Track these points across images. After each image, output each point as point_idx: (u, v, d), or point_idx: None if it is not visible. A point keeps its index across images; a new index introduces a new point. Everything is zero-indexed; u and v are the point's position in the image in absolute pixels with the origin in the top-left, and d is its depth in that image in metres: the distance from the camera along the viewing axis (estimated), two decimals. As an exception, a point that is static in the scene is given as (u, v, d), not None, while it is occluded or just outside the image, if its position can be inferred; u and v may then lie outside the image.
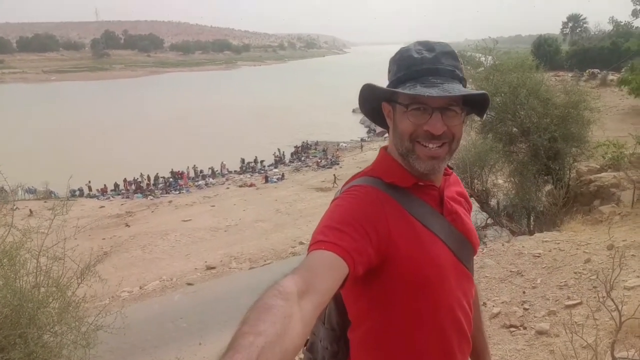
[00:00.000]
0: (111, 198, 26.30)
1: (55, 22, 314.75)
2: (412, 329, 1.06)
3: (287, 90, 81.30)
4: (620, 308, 2.11)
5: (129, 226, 19.33)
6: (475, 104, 1.09)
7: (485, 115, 1.12)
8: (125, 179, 28.38)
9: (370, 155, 31.14)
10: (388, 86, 1.08)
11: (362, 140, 38.12)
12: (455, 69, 1.04)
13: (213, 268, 13.29)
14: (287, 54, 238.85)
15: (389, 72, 1.10)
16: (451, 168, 1.20)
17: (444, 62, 1.02)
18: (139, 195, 26.91)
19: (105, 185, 27.40)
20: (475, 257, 1.23)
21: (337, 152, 34.10)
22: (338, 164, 30.61)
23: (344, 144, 37.18)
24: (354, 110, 54.92)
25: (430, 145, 1.02)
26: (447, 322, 1.08)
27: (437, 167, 1.06)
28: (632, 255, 4.79)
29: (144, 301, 10.70)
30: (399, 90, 1.01)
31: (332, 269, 0.86)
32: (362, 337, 1.11)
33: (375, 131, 42.13)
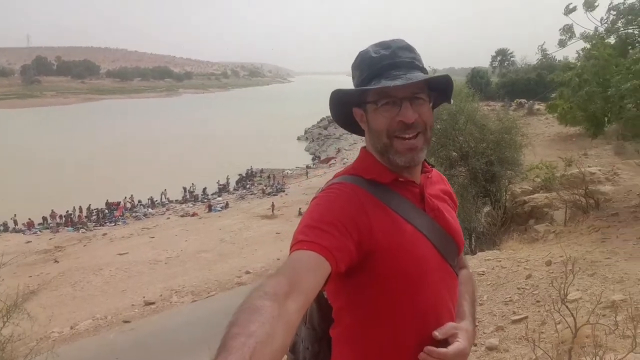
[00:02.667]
0: (39, 232, 24.45)
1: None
2: (392, 322, 1.05)
3: (232, 118, 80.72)
4: (575, 314, 2.12)
5: (58, 262, 17.98)
6: (441, 90, 1.11)
7: (452, 100, 1.16)
8: (52, 210, 26.50)
9: (316, 181, 31.30)
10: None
11: (307, 167, 38.39)
12: (414, 60, 1.07)
13: (152, 303, 12.56)
14: (230, 82, 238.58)
15: (353, 78, 1.13)
16: (432, 165, 1.21)
17: (401, 55, 1.06)
18: (70, 228, 25.22)
19: (30, 219, 25.45)
20: None
21: (283, 179, 34.02)
22: (284, 190, 30.47)
23: (289, 171, 37.18)
24: (299, 138, 55.60)
25: (407, 136, 1.04)
26: (428, 317, 1.06)
27: (417, 158, 1.07)
28: (570, 270, 4.98)
29: (76, 341, 9.87)
30: (366, 87, 1.05)
31: (314, 269, 0.87)
32: (343, 332, 1.11)
33: (319, 158, 42.61)
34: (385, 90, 1.02)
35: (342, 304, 1.09)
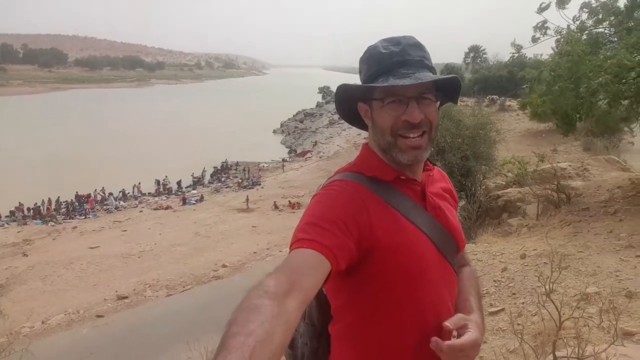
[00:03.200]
0: (6, 225, 23.64)
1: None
2: (392, 320, 1.05)
3: (206, 110, 79.48)
4: (559, 308, 2.19)
5: (27, 255, 17.42)
6: (448, 91, 1.11)
7: (459, 101, 1.16)
8: (20, 203, 25.60)
9: (292, 174, 31.23)
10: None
11: (283, 160, 38.19)
12: (424, 58, 1.06)
13: (125, 297, 12.35)
14: (204, 74, 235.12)
15: (360, 72, 1.11)
16: (433, 164, 1.21)
17: (411, 53, 1.05)
18: (38, 221, 24.44)
19: (-4, 211, 24.57)
20: None
21: (259, 173, 33.78)
22: (260, 184, 30.27)
23: (265, 165, 36.95)
24: (274, 131, 55.24)
25: (411, 135, 1.04)
26: (427, 314, 1.06)
27: (420, 157, 1.07)
28: (545, 263, 5.13)
29: (48, 337, 9.64)
30: (374, 84, 1.03)
31: (314, 267, 0.87)
32: (342, 330, 1.11)
33: (295, 151, 42.47)
34: (392, 89, 1.02)
35: (342, 302, 1.09)
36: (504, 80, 39.47)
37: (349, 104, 1.14)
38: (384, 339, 1.05)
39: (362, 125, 1.17)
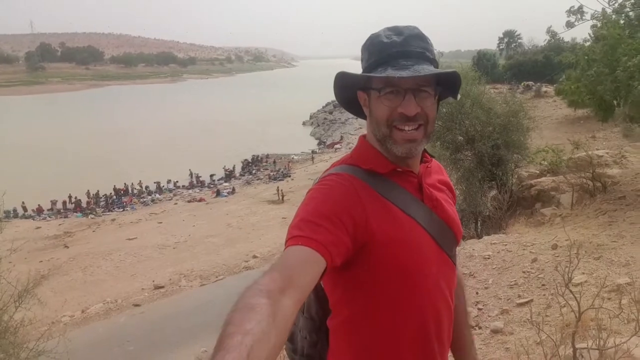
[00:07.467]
0: (48, 218, 24.74)
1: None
2: (390, 314, 1.05)
3: (237, 104, 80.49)
4: (579, 299, 2.15)
5: (68, 247, 18.19)
6: (448, 85, 1.08)
7: (458, 96, 1.11)
8: (65, 199, 26.79)
9: (321, 166, 31.31)
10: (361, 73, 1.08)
11: (313, 152, 38.33)
12: (425, 50, 1.04)
13: (161, 287, 12.73)
14: (235, 67, 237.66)
15: (361, 60, 1.10)
16: (432, 156, 1.19)
17: (413, 44, 1.03)
18: (79, 214, 25.48)
19: (39, 205, 25.73)
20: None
21: (289, 164, 34.04)
22: (290, 176, 30.50)
23: (295, 156, 37.17)
24: (304, 123, 55.40)
25: (407, 128, 1.02)
26: (425, 308, 1.06)
27: (415, 150, 1.06)
28: (575, 254, 4.99)
29: (87, 325, 10.05)
30: (371, 74, 1.02)
31: (309, 265, 0.86)
32: (340, 324, 1.10)
33: (325, 143, 42.51)
34: (390, 79, 1.00)
35: (340, 296, 1.08)
36: (540, 65, 38.18)
37: (348, 92, 1.12)
38: (380, 334, 1.05)
39: (361, 114, 1.15)
